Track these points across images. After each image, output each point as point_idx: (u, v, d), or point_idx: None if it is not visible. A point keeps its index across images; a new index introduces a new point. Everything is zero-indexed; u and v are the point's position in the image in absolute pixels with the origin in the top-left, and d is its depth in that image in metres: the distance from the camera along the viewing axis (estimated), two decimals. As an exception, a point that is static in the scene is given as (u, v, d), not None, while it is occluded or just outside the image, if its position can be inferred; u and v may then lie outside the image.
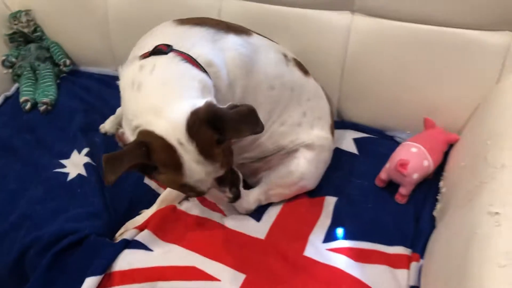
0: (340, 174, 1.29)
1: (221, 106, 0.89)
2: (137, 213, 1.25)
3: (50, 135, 1.44)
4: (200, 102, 0.87)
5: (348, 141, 1.39)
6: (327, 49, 1.31)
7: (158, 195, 1.29)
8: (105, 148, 1.38)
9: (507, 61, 1.15)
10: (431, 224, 1.14)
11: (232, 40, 1.05)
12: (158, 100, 0.88)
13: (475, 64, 1.19)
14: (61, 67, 1.63)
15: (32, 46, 1.62)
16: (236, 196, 1.01)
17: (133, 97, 0.91)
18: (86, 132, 1.44)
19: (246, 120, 0.86)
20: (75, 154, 1.36)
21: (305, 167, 1.19)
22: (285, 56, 1.19)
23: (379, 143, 1.37)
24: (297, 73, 1.19)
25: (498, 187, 0.87)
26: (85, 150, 1.36)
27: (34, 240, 1.15)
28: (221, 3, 1.38)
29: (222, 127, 0.86)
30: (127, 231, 1.20)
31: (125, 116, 0.94)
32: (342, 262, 1.07)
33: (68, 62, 1.62)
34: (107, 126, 1.44)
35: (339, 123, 1.44)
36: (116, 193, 1.27)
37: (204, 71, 0.97)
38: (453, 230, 0.94)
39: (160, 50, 0.94)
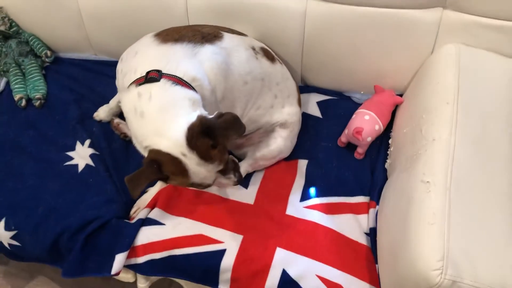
0: (308, 137, 1.54)
1: (210, 117, 1.09)
2: (143, 192, 1.49)
3: (51, 129, 1.60)
4: (193, 117, 1.08)
5: (312, 105, 1.62)
6: (287, 31, 1.48)
7: (158, 173, 1.53)
8: (104, 136, 1.57)
9: (439, 34, 1.36)
10: (384, 175, 1.42)
11: (208, 51, 1.22)
12: (160, 124, 1.08)
13: (413, 38, 1.40)
14: (43, 58, 1.75)
15: (12, 42, 1.71)
16: (240, 179, 1.24)
17: (138, 123, 1.11)
18: (83, 122, 1.61)
19: (232, 126, 1.09)
20: (79, 145, 1.55)
21: (282, 143, 1.44)
22: (254, 49, 1.36)
23: (339, 105, 1.61)
24: (265, 63, 1.37)
25: (429, 159, 1.14)
26: (88, 142, 1.55)
27: (64, 228, 1.38)
28: (187, -1, 1.51)
29: (213, 135, 1.07)
30: (139, 208, 1.45)
31: (135, 137, 1.14)
32: (317, 216, 1.36)
33: (49, 53, 1.74)
34: (101, 114, 1.61)
35: (304, 88, 1.67)
36: (123, 177, 1.49)
37: (191, 86, 1.16)
38: (398, 189, 1.23)
39: (153, 78, 1.11)
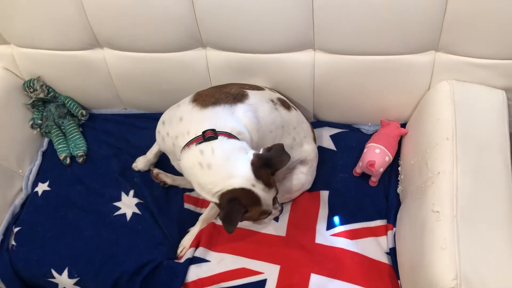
0: (325, 169, 1.73)
1: (261, 152, 1.33)
2: (186, 232, 1.69)
3: (96, 183, 1.79)
4: (250, 156, 1.31)
5: (326, 138, 1.81)
6: (298, 79, 1.67)
7: (197, 214, 1.72)
8: (145, 185, 1.76)
9: (434, 73, 1.55)
10: (397, 200, 1.62)
11: (241, 109, 1.43)
12: (228, 169, 1.30)
13: (410, 78, 1.58)
14: (79, 117, 1.94)
15: (51, 106, 1.90)
16: (282, 208, 1.51)
17: (206, 174, 1.30)
18: (124, 173, 1.80)
19: (282, 153, 1.35)
20: (124, 196, 1.74)
21: (303, 178, 1.64)
22: (273, 101, 1.55)
23: (350, 137, 1.80)
24: (283, 112, 1.56)
25: (437, 190, 1.33)
26: (132, 192, 1.74)
27: (122, 272, 1.58)
28: (207, 53, 1.68)
29: (271, 164, 1.33)
30: (184, 248, 1.65)
31: (201, 187, 1.33)
32: (343, 243, 1.56)
33: (84, 112, 1.93)
34: (139, 165, 1.80)
35: (316, 123, 1.86)
36: (167, 221, 1.69)
37: (238, 138, 1.37)
38: (412, 216, 1.42)
39: (211, 136, 1.32)
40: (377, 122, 1.75)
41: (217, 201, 1.32)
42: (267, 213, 1.40)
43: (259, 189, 1.31)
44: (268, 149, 1.34)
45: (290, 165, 1.64)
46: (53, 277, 1.64)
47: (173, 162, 1.55)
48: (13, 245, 1.71)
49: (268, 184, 1.33)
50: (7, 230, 1.74)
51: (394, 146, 1.65)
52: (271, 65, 1.64)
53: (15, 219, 1.77)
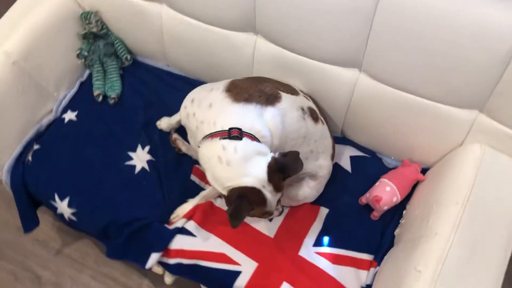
0: (334, 188, 1.73)
1: (277, 156, 1.35)
2: (184, 201, 1.73)
3: (119, 128, 1.85)
4: (268, 159, 1.34)
5: (345, 158, 1.80)
6: (336, 93, 1.65)
7: (200, 188, 1.77)
8: (162, 145, 1.81)
9: (471, 132, 1.50)
10: (391, 241, 1.61)
11: (270, 113, 1.43)
12: (245, 168, 1.32)
13: (446, 129, 1.53)
14: (123, 60, 1.99)
15: (101, 43, 1.96)
16: (282, 210, 1.53)
17: (224, 169, 1.34)
18: (147, 127, 1.85)
19: (297, 161, 1.37)
20: (139, 149, 1.80)
21: (308, 192, 1.64)
22: (303, 109, 1.54)
23: (369, 164, 1.78)
24: (310, 123, 1.55)
25: (427, 251, 1.31)
26: (147, 147, 1.80)
27: (115, 219, 1.67)
28: (256, 40, 1.68)
29: (285, 170, 1.35)
30: (178, 216, 1.70)
31: (216, 179, 1.37)
32: (324, 264, 1.57)
33: (129, 57, 1.98)
34: (163, 125, 1.85)
35: (342, 139, 1.84)
36: (170, 186, 1.74)
37: (260, 141, 1.39)
38: (396, 265, 1.42)
39: (236, 136, 1.34)
40: (400, 158, 1.72)
41: (226, 194, 1.36)
42: (269, 214, 1.43)
43: (267, 191, 1.34)
44: (284, 155, 1.36)
45: (300, 175, 1.65)
46: (55, 201, 1.75)
47: (190, 139, 1.59)
48: (29, 160, 1.82)
49: (278, 188, 1.36)
50: (28, 145, 1.86)
51: (407, 188, 1.62)
52: (314, 72, 1.63)
53: (37, 137, 1.88)
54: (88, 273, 2.13)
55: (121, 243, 1.68)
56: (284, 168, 1.35)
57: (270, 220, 1.67)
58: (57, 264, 2.17)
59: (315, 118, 1.59)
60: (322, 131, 1.62)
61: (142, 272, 2.10)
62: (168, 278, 1.76)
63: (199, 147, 1.41)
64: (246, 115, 1.40)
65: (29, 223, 1.88)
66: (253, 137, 1.37)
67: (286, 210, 1.69)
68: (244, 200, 1.32)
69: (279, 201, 1.46)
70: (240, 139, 1.34)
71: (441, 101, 1.48)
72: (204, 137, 1.39)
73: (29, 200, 1.85)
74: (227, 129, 1.36)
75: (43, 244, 2.22)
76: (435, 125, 1.55)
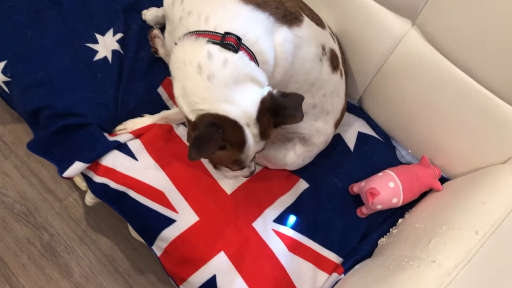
0: (324, 162, 1.36)
1: (275, 93, 1.00)
2: (140, 115, 1.38)
3: (97, 2, 1.48)
4: (264, 92, 0.99)
5: (352, 132, 1.42)
6: (373, 45, 1.26)
7: (165, 106, 1.40)
8: (138, 39, 1.42)
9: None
10: (371, 249, 1.25)
11: (283, 34, 1.06)
12: (231, 93, 0.97)
13: (494, 135, 1.15)
14: None
15: None
16: (254, 171, 1.17)
17: (200, 83, 0.97)
18: (128, 12, 1.47)
19: (298, 109, 1.01)
20: (109, 34, 1.42)
21: (291, 159, 1.28)
22: (323, 48, 1.16)
23: (378, 149, 1.40)
24: (325, 69, 1.17)
25: (416, 280, 0.95)
26: (119, 36, 1.41)
27: (48, 105, 1.31)
28: None
29: (281, 114, 1.00)
30: (125, 130, 1.35)
31: (187, 93, 1.00)
32: (278, 247, 1.22)
33: None
34: (148, 16, 1.46)
35: (356, 109, 1.46)
36: (129, 91, 1.37)
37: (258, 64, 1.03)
38: (367, 281, 1.06)
39: (231, 45, 0.97)
40: (419, 155, 1.34)
41: (192, 120, 0.99)
42: (239, 166, 1.08)
43: (251, 132, 0.99)
44: (285, 95, 1.00)
45: (289, 134, 1.27)
46: (-12, 61, 1.37)
47: (167, 35, 1.21)
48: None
49: (264, 134, 1.02)
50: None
51: (415, 193, 1.25)
52: (356, 8, 1.24)
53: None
54: (13, 162, 1.78)
55: (48, 137, 1.31)
56: (281, 111, 1.00)
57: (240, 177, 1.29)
58: (-17, 140, 1.83)
59: (334, 66, 1.20)
60: (337, 86, 1.24)
61: (74, 183, 1.75)
62: (90, 199, 1.41)
63: (175, 44, 1.04)
64: (252, 25, 1.03)
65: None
66: (252, 56, 1.01)
67: (256, 169, 1.33)
68: (217, 131, 0.96)
69: (254, 157, 1.10)
70: (236, 51, 0.98)
71: (506, 99, 1.09)
72: (186, 34, 1.02)
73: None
74: (222, 32, 0.99)
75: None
76: (483, 127, 1.16)
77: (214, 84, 0.97)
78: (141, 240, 1.33)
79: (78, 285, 1.60)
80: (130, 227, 1.39)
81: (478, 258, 0.97)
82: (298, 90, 1.17)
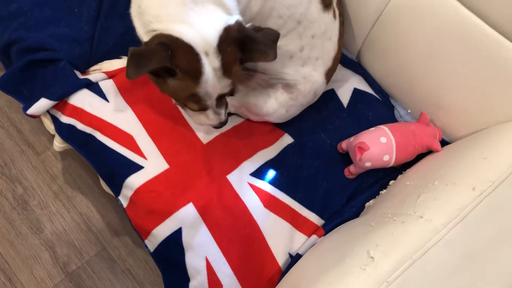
0: (313, 117, 1.23)
1: (247, 26, 0.88)
2: (117, 57, 1.27)
3: None
4: (232, 20, 0.87)
5: (347, 88, 1.29)
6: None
7: (144, 48, 1.30)
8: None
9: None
10: (356, 212, 1.12)
11: None
12: (190, 13, 0.86)
13: (505, 91, 1.00)
14: None
15: None
16: (226, 121, 1.03)
17: (159, 1, 0.86)
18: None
19: (271, 46, 0.87)
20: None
21: (274, 107, 1.15)
22: (316, -20, 1.04)
23: (374, 106, 1.26)
24: (315, 6, 1.04)
25: (397, 236, 0.82)
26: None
27: (19, 38, 1.22)
28: None
29: (251, 49, 0.88)
30: (99, 70, 1.24)
31: (142, 12, 0.89)
32: (253, 202, 1.10)
33: None
34: None
35: (355, 64, 1.32)
36: (107, 29, 1.27)
37: None
38: (345, 239, 0.93)
39: None
40: (417, 115, 1.20)
41: (146, 40, 0.88)
42: (199, 105, 0.95)
43: (210, 63, 0.86)
44: (257, 29, 0.88)
45: (271, 80, 1.15)
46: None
47: None
48: None
49: (227, 69, 0.88)
50: None
51: (410, 153, 1.11)
52: None
53: None
54: (-8, 111, 1.70)
55: (17, 72, 1.21)
56: (250, 45, 0.87)
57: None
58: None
59: (326, 3, 1.08)
60: (329, 27, 1.11)
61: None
62: (58, 143, 1.30)
63: None
64: None
65: None
66: None
67: (237, 121, 1.21)
68: (165, 50, 0.84)
69: (225, 103, 0.99)
70: None
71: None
72: None
73: None
74: None
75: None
76: (492, 78, 1.02)
77: (169, 1, 0.86)
78: (110, 192, 1.23)
79: (47, 242, 1.51)
80: (101, 179, 1.29)
81: (472, 216, 0.83)
82: (282, 27, 1.03)
